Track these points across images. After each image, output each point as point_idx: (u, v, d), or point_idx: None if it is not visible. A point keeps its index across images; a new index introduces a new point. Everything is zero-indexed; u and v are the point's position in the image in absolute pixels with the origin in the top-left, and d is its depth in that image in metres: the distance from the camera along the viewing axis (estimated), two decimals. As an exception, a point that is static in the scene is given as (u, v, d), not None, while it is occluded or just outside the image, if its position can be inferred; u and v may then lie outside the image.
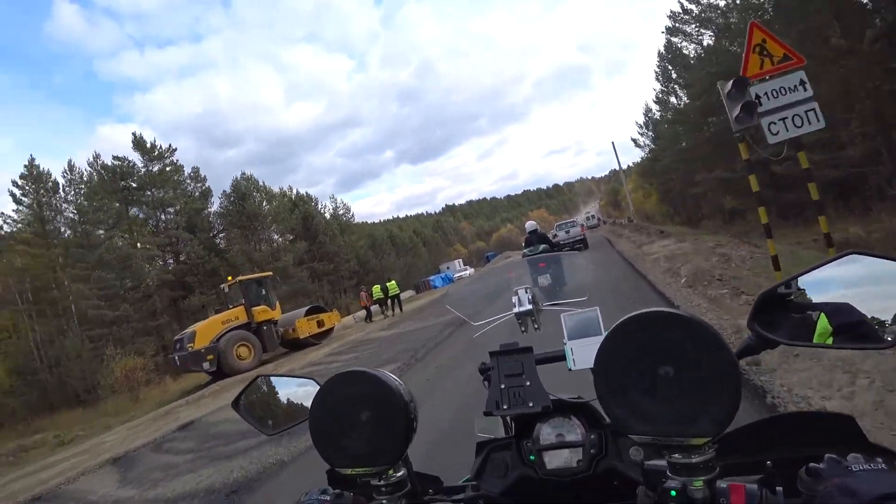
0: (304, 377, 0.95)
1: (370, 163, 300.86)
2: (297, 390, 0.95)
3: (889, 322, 0.57)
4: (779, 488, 0.52)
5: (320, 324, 16.93)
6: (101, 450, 8.48)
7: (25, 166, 27.62)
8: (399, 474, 0.68)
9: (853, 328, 0.60)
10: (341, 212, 48.52)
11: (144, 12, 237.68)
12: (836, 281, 0.63)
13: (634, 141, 46.96)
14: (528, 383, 0.86)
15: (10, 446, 12.70)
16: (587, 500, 0.78)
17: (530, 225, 9.42)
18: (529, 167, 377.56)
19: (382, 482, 0.67)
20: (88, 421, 15.42)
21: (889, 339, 0.57)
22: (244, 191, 36.05)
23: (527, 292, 1.08)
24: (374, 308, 21.40)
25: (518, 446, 0.85)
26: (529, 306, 1.06)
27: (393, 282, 21.50)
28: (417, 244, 60.83)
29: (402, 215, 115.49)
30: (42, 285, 25.92)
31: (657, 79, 35.26)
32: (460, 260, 63.19)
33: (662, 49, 32.46)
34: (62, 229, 28.43)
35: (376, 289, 21.35)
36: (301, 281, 34.63)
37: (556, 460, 0.81)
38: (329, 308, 19.92)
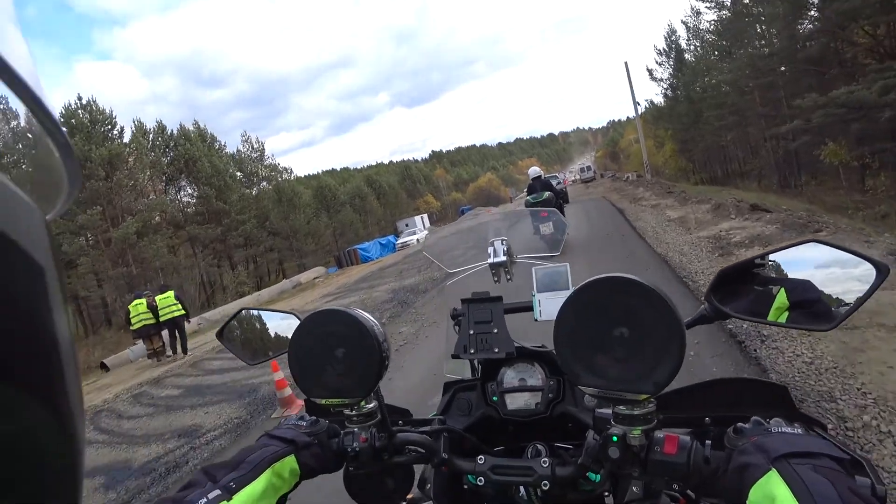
0: (287, 311, 0.94)
1: (363, 106, 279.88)
2: (279, 324, 0.94)
3: (839, 306, 0.62)
4: (707, 441, 0.57)
5: None
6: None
7: None
8: (370, 406, 0.73)
9: (808, 305, 0.65)
10: (255, 155, 36.85)
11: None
12: (796, 263, 0.68)
13: (650, 72, 35.10)
14: (495, 330, 0.91)
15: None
16: (541, 438, 0.84)
17: (533, 171, 9.61)
18: (524, 115, 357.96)
19: (354, 412, 0.72)
20: None
21: (835, 321, 0.62)
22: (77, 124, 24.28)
23: (502, 244, 1.10)
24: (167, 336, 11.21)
25: (483, 388, 0.93)
26: (503, 257, 1.09)
27: (169, 293, 10.91)
28: (367, 195, 48.90)
29: (394, 160, 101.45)
30: None
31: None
32: (424, 216, 52.14)
33: None
34: None
35: (140, 305, 10.92)
36: (158, 255, 24.05)
37: (516, 402, 0.89)
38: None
